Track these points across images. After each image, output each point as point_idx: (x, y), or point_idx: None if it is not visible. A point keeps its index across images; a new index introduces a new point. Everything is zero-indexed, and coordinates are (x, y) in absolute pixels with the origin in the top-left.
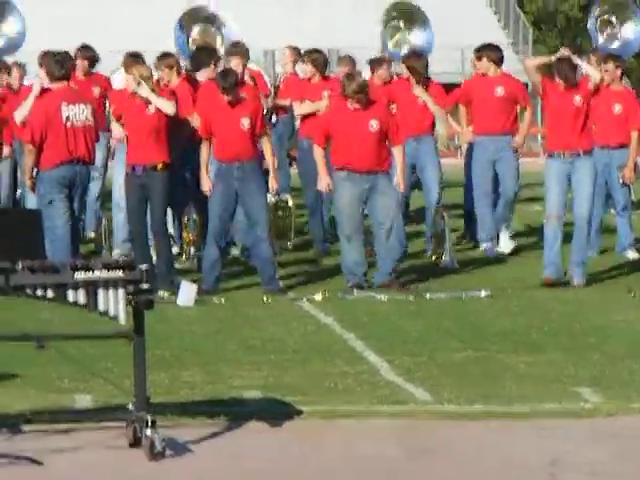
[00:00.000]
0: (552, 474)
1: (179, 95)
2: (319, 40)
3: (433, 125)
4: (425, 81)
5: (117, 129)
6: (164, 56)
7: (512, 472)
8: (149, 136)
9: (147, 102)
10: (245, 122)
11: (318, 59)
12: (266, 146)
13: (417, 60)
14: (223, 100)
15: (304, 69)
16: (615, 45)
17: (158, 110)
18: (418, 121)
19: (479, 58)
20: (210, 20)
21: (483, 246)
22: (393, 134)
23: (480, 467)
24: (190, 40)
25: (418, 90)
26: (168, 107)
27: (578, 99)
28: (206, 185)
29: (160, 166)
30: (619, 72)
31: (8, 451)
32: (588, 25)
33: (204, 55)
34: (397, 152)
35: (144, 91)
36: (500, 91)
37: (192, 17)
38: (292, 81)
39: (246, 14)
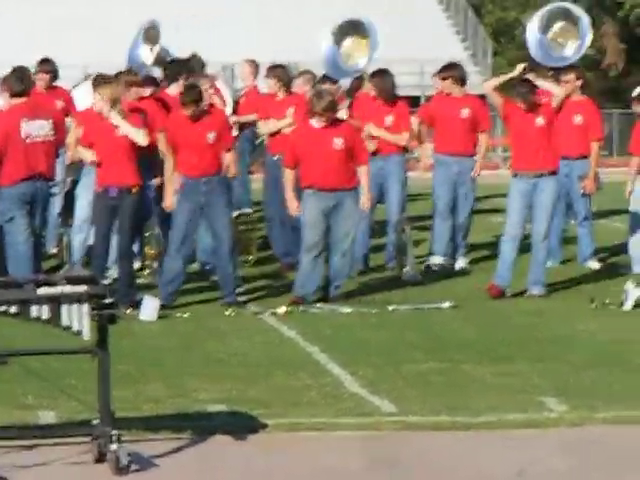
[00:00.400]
0: None
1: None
2: (279, 54)
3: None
4: (392, 99)
5: (87, 154)
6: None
7: None
8: (122, 157)
9: (116, 125)
10: (211, 136)
11: (282, 74)
12: (231, 159)
13: (383, 79)
14: (186, 115)
15: (268, 84)
16: (555, 54)
17: (127, 134)
18: (385, 140)
19: (444, 78)
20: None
21: (435, 259)
22: (358, 153)
23: (447, 478)
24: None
25: (373, 130)
26: (140, 137)
27: (540, 120)
28: (169, 201)
29: (135, 189)
30: (579, 82)
31: None
32: (529, 39)
33: (174, 69)
34: (362, 171)
35: (116, 119)
36: (465, 113)
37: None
38: (253, 95)
39: (204, 28)
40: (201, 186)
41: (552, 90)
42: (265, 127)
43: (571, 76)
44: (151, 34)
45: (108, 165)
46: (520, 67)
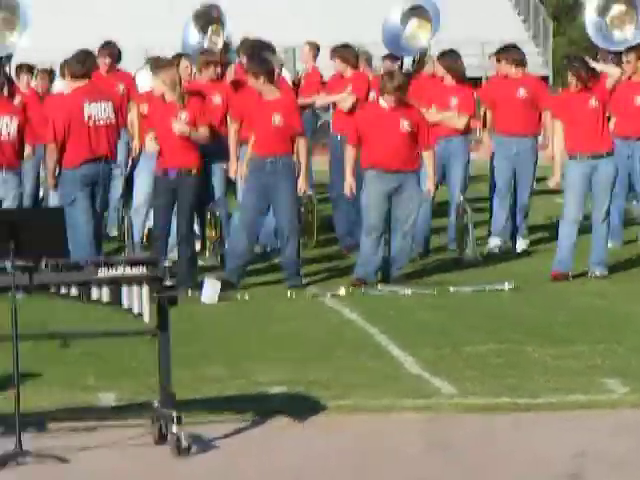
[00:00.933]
0: (579, 466)
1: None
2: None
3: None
4: (461, 80)
5: (150, 143)
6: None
7: (538, 464)
8: (181, 140)
9: (179, 108)
10: (278, 117)
11: (347, 54)
12: (300, 144)
13: (453, 58)
14: (258, 95)
15: (335, 65)
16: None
17: (191, 116)
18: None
19: (499, 60)
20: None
21: (493, 241)
22: (424, 138)
23: (506, 459)
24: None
25: (433, 116)
26: (204, 139)
27: (593, 101)
28: (232, 169)
29: (194, 171)
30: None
31: (34, 449)
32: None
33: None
34: (427, 157)
35: (179, 127)
36: (522, 93)
37: (203, 17)
38: (314, 77)
39: (264, 12)
40: (267, 165)
41: (607, 71)
42: (322, 99)
43: (632, 56)
44: (206, 17)
45: (168, 147)
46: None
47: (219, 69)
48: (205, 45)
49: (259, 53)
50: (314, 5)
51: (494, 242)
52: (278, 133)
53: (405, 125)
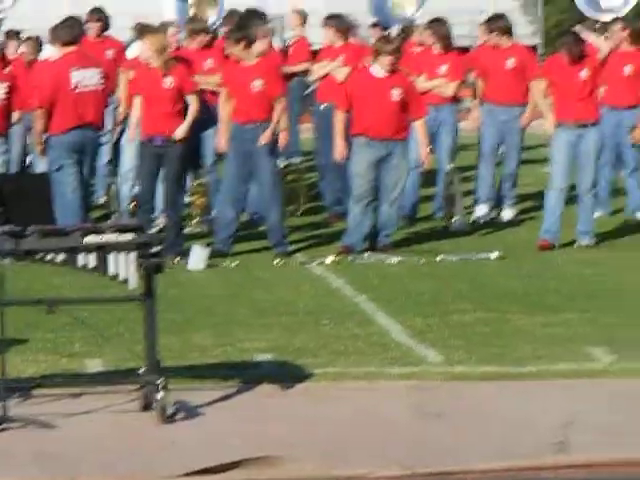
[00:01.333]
0: (566, 434)
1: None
2: (328, 4)
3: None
4: (449, 47)
5: (135, 115)
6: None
7: (525, 433)
8: (167, 106)
9: (164, 74)
10: (257, 83)
11: (339, 24)
12: (278, 107)
13: (441, 26)
14: (235, 59)
15: (326, 34)
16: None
17: (177, 83)
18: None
19: (491, 31)
20: None
21: (480, 209)
22: (415, 108)
23: (492, 428)
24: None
25: (421, 84)
26: (197, 112)
27: (584, 72)
28: (221, 143)
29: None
30: (625, 33)
31: (20, 415)
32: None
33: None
34: (418, 126)
35: (180, 134)
36: (511, 62)
37: None
38: (302, 45)
39: None
40: (247, 132)
41: (598, 44)
42: (317, 70)
43: (617, 27)
44: None
45: (153, 114)
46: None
47: (207, 37)
48: (190, 13)
49: (245, 21)
50: None
51: (481, 210)
52: (258, 99)
53: (396, 94)
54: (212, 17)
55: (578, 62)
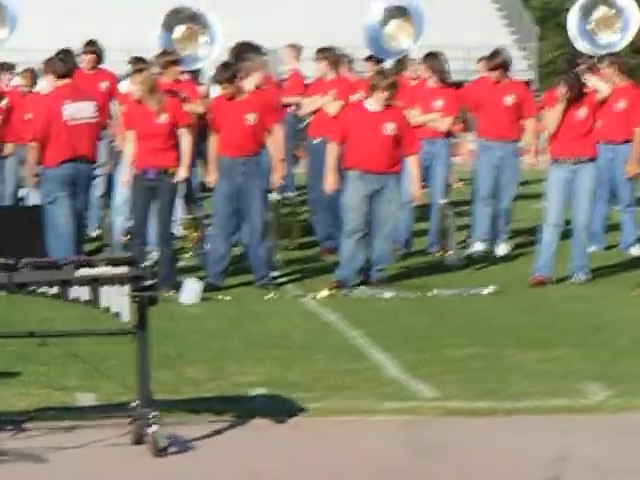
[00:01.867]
0: (559, 469)
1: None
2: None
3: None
4: (445, 82)
5: (130, 150)
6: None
7: (519, 468)
8: (160, 140)
9: (158, 111)
10: (250, 117)
11: (331, 57)
12: (273, 138)
13: (437, 60)
14: (224, 94)
15: (318, 67)
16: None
17: (171, 118)
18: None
19: (490, 67)
20: (194, 20)
21: (476, 246)
22: (408, 143)
23: (487, 463)
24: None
25: (416, 117)
26: (191, 144)
27: (583, 111)
28: (211, 178)
29: (172, 170)
30: (613, 69)
31: (12, 449)
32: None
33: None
34: (411, 162)
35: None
36: (510, 100)
37: (176, 17)
38: (296, 79)
39: (248, 14)
40: (238, 166)
41: (598, 86)
42: (309, 105)
43: (604, 64)
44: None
45: (146, 147)
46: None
47: (179, 70)
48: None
49: (240, 53)
50: (296, 7)
51: (478, 247)
52: (251, 133)
53: (390, 128)
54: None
55: (578, 100)
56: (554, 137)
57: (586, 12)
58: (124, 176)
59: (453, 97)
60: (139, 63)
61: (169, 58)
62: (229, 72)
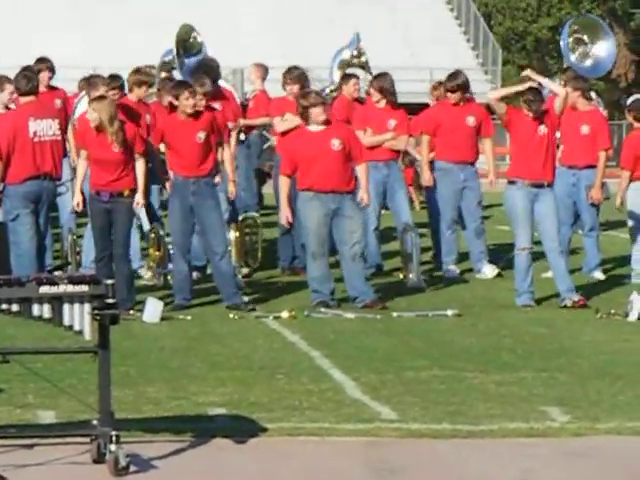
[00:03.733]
0: None
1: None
2: (287, 58)
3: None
4: (395, 102)
5: (81, 170)
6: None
7: None
8: (114, 164)
9: (113, 141)
10: (201, 136)
11: (301, 77)
12: (224, 153)
13: (386, 80)
14: (179, 115)
15: (288, 88)
16: (587, 63)
17: (128, 145)
18: (386, 147)
19: (452, 91)
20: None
21: (447, 268)
22: (356, 152)
23: None
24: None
25: (370, 138)
26: (145, 168)
27: (543, 128)
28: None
29: (127, 192)
30: (577, 94)
31: None
32: (561, 43)
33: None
34: (360, 169)
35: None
36: (471, 121)
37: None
38: (262, 99)
39: (217, 33)
40: (189, 186)
41: (553, 88)
42: (282, 124)
43: (569, 88)
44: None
45: (100, 170)
46: (525, 74)
47: (147, 90)
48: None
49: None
50: (263, 26)
51: (452, 269)
52: (202, 152)
53: (336, 144)
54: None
55: (539, 117)
56: (515, 157)
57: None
58: (75, 197)
59: (405, 116)
60: (95, 91)
61: (142, 78)
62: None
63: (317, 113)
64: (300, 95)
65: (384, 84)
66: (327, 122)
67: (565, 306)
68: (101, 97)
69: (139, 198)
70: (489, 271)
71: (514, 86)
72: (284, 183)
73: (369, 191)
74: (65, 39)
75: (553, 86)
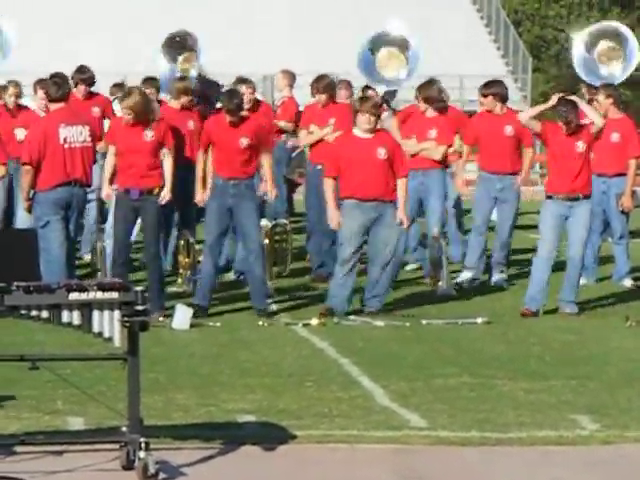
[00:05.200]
0: None
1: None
2: (316, 65)
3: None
4: (441, 109)
5: (110, 160)
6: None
7: None
8: (145, 160)
9: (143, 128)
10: (244, 141)
11: (329, 85)
12: (264, 158)
13: (432, 88)
14: (225, 120)
15: (317, 96)
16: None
17: (157, 136)
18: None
19: (485, 95)
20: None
21: (465, 274)
22: (398, 165)
23: None
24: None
25: (410, 146)
26: (172, 165)
27: (580, 145)
28: (199, 197)
29: (157, 190)
30: (609, 101)
31: (1, 473)
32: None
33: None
34: (401, 183)
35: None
36: (509, 130)
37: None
38: (290, 105)
39: (243, 41)
40: (229, 188)
41: (593, 117)
42: (307, 137)
43: (600, 96)
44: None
45: (130, 166)
46: (555, 98)
47: (189, 98)
48: (177, 73)
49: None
50: (292, 33)
51: (465, 275)
52: (245, 155)
53: (382, 153)
54: (192, 72)
55: (574, 132)
56: (551, 172)
57: (592, 42)
58: (104, 189)
59: (448, 126)
60: (123, 89)
61: (187, 85)
62: (236, 101)
63: (363, 120)
64: (357, 97)
65: (430, 93)
66: (374, 130)
67: (556, 309)
68: (127, 93)
69: (166, 193)
70: (499, 281)
71: (543, 105)
72: (329, 186)
73: (406, 208)
74: (96, 44)
75: (593, 114)
